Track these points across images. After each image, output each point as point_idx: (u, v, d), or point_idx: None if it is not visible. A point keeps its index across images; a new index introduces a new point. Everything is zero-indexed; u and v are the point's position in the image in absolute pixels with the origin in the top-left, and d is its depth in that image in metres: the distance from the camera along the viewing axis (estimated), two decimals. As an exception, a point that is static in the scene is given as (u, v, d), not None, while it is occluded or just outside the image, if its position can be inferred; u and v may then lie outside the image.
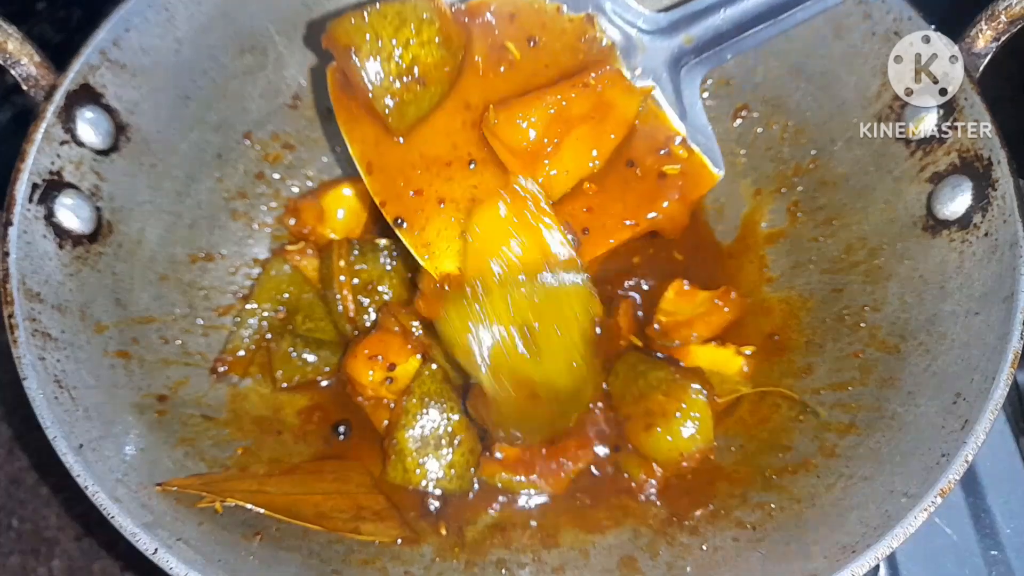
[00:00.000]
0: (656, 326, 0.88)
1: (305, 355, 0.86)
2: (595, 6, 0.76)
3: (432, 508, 0.80)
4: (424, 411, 0.79)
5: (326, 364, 0.87)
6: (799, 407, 0.80)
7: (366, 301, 0.87)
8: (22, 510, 1.00)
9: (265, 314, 0.87)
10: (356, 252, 0.87)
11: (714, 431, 0.79)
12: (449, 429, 0.79)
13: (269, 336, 0.87)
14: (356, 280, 0.86)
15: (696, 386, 0.78)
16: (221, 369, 0.84)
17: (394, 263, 0.87)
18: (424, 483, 0.79)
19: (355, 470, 0.81)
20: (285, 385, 0.85)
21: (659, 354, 0.86)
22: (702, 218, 0.96)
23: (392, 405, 0.82)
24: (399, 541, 0.76)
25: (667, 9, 0.79)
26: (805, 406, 0.79)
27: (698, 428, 0.77)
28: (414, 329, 0.81)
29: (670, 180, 0.77)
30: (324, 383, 0.87)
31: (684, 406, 0.77)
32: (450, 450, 0.79)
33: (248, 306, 0.87)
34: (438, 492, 0.80)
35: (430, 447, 0.79)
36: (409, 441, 0.79)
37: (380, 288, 0.87)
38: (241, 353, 0.86)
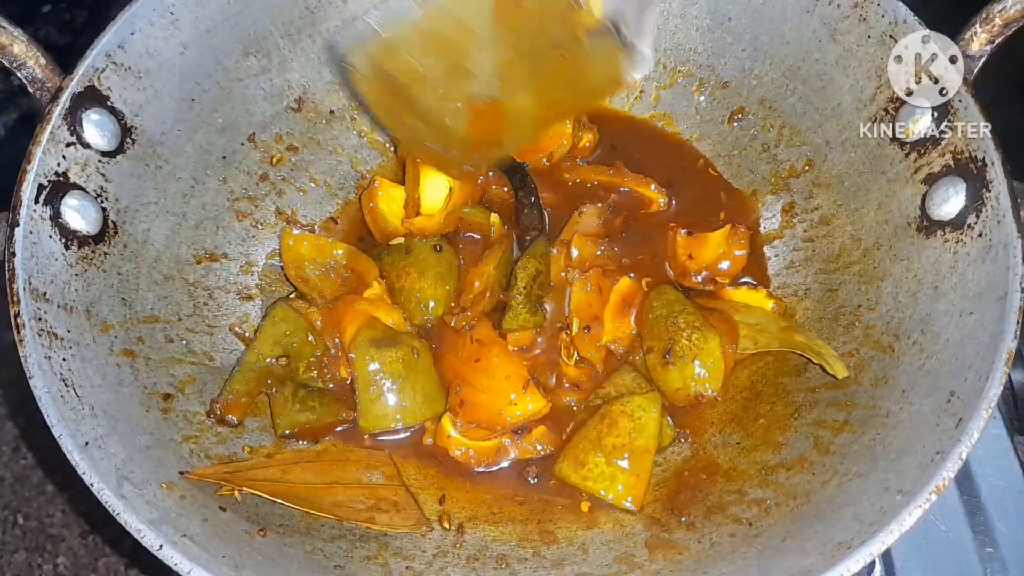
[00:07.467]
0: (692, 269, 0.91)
1: (305, 404, 0.83)
2: None
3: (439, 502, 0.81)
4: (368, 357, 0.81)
5: (327, 415, 0.83)
6: (794, 407, 0.81)
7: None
8: (28, 507, 1.01)
9: (267, 360, 0.83)
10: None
11: (727, 381, 0.84)
12: (401, 365, 0.82)
13: (270, 382, 0.83)
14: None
15: (720, 338, 0.82)
16: (219, 411, 0.80)
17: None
18: (395, 424, 0.82)
19: (382, 461, 0.82)
20: (287, 432, 0.82)
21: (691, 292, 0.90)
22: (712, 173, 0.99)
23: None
24: (426, 529, 0.77)
25: None
26: (818, 365, 0.80)
27: (710, 376, 0.82)
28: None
29: None
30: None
31: (703, 353, 0.82)
32: (404, 381, 0.82)
33: (250, 351, 0.83)
34: (417, 425, 0.84)
35: (384, 388, 0.81)
36: (369, 390, 0.81)
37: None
38: (242, 399, 0.81)
